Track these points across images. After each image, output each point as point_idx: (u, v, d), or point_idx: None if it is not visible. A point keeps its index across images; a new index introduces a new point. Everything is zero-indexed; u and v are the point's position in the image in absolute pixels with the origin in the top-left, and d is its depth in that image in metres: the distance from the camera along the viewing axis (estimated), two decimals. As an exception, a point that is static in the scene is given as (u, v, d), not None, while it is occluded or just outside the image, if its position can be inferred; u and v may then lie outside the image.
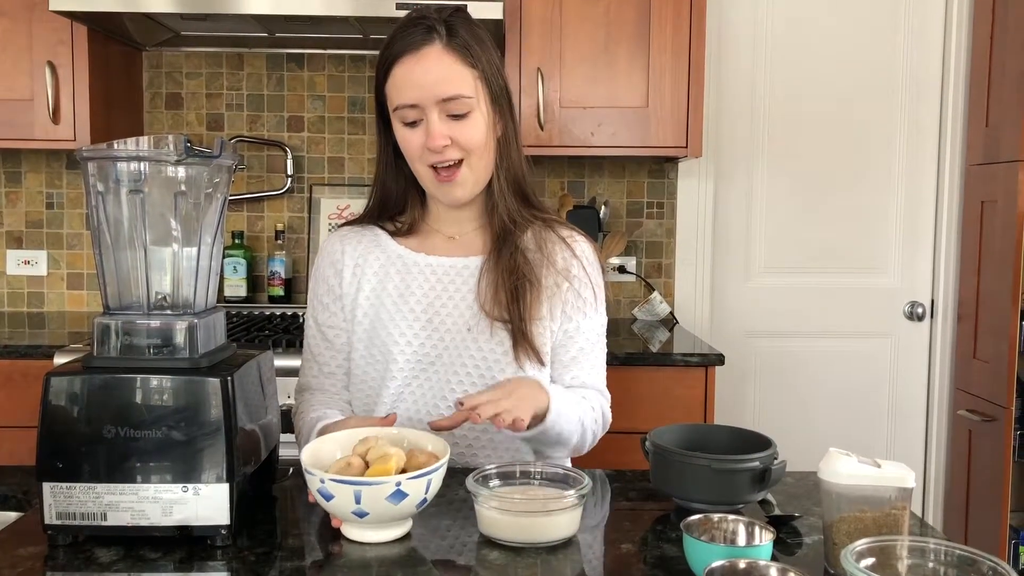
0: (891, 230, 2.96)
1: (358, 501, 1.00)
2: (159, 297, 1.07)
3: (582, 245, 1.45)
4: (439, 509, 1.15)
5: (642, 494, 1.27)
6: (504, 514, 1.04)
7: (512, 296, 1.35)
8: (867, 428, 2.99)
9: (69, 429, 1.01)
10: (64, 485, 1.01)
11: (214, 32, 2.65)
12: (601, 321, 1.46)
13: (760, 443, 1.18)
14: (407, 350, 1.37)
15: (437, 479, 1.05)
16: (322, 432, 1.28)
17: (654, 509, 1.20)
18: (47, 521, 1.02)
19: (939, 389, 2.96)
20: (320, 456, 1.10)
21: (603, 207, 2.75)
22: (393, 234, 1.45)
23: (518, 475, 1.14)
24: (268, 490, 1.22)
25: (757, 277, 2.96)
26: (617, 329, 2.61)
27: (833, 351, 2.97)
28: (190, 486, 1.01)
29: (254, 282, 2.81)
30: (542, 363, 1.37)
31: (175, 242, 1.07)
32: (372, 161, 1.49)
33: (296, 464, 1.09)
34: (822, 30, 2.89)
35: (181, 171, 1.05)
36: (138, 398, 1.01)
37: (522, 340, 1.35)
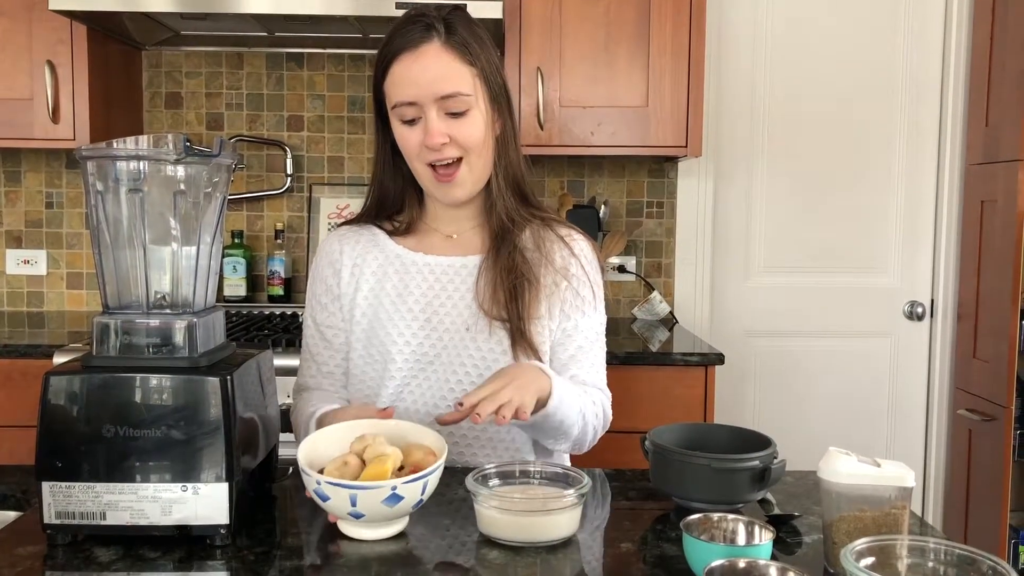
0: (891, 230, 2.96)
1: (354, 504, 1.00)
2: (158, 296, 1.07)
3: (580, 244, 1.45)
4: (439, 508, 1.15)
5: (642, 493, 1.27)
6: (504, 513, 1.04)
7: (511, 295, 1.35)
8: (867, 427, 2.99)
9: (68, 428, 1.01)
10: (63, 484, 1.01)
11: (214, 31, 2.65)
12: (600, 320, 1.46)
13: (760, 442, 1.18)
14: (405, 350, 1.37)
15: (433, 480, 1.05)
16: (320, 420, 1.28)
17: (654, 508, 1.20)
18: (46, 520, 1.02)
19: (939, 388, 2.96)
20: (317, 453, 1.10)
21: (603, 207, 2.75)
22: (391, 233, 1.45)
23: (518, 474, 1.14)
24: (267, 489, 1.22)
25: (757, 277, 2.96)
26: (617, 328, 2.61)
27: (833, 351, 2.98)
28: (189, 485, 1.01)
29: (253, 281, 2.81)
30: (541, 362, 1.36)
31: (174, 241, 1.07)
32: (371, 160, 1.48)
33: (295, 463, 1.09)
34: (822, 30, 2.89)
35: (180, 170, 1.05)
36: (137, 397, 1.01)
37: (521, 339, 1.35)
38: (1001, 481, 2.60)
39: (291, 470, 1.27)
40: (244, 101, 2.82)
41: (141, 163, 1.04)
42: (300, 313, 2.61)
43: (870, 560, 0.85)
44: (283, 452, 1.23)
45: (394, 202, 1.45)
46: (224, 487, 1.02)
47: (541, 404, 1.25)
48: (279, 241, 2.79)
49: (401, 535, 1.07)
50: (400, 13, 1.41)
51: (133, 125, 2.75)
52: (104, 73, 2.52)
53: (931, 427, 2.99)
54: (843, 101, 2.90)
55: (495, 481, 1.12)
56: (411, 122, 1.33)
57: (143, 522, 1.02)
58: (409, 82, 1.30)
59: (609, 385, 1.47)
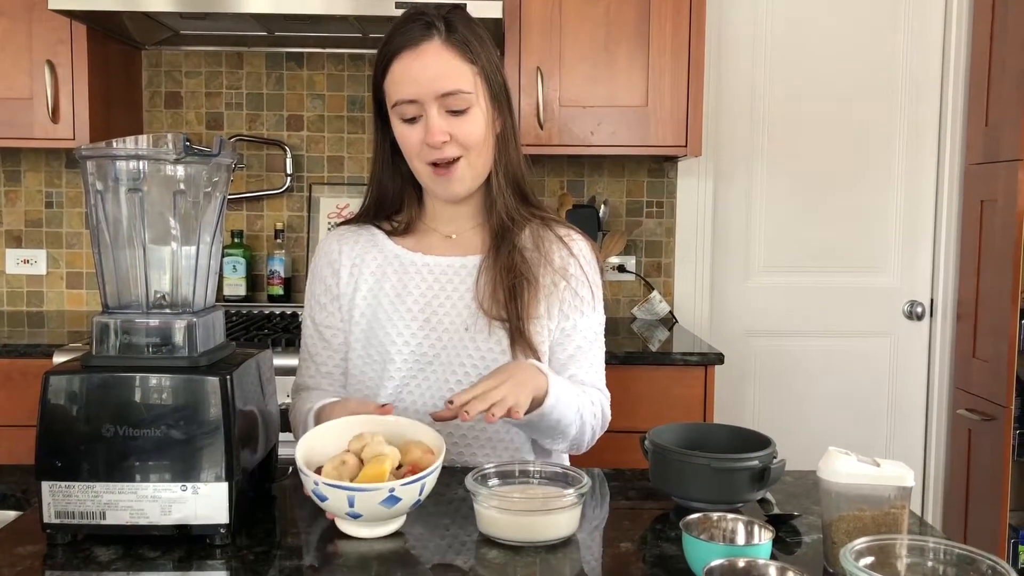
0: (891, 229, 2.96)
1: (352, 504, 1.01)
2: (158, 296, 1.07)
3: (579, 244, 1.45)
4: (438, 508, 1.15)
5: (641, 493, 1.27)
6: (503, 513, 1.04)
7: (510, 294, 1.35)
8: (866, 427, 2.99)
9: (68, 428, 1.01)
10: (63, 484, 1.01)
11: (213, 31, 2.65)
12: (599, 320, 1.45)
13: (759, 442, 1.18)
14: (404, 350, 1.36)
15: (431, 482, 1.05)
16: (319, 413, 1.28)
17: (653, 508, 1.20)
18: (46, 520, 1.02)
19: (938, 388, 2.96)
20: (315, 450, 1.09)
21: (603, 206, 2.75)
22: (390, 233, 1.45)
23: (517, 474, 1.14)
24: (267, 489, 1.22)
25: (757, 276, 2.96)
26: (616, 328, 2.61)
27: (832, 350, 2.98)
28: (189, 485, 1.01)
29: (253, 281, 2.81)
30: (540, 362, 1.36)
31: (174, 241, 1.07)
32: (371, 160, 1.48)
33: (295, 463, 1.09)
34: (822, 30, 2.88)
35: (180, 170, 1.05)
36: (137, 397, 1.01)
37: (520, 339, 1.34)
38: (1001, 481, 2.60)
39: (291, 470, 1.27)
40: (244, 101, 2.82)
41: (141, 163, 1.04)
42: (300, 313, 2.60)
43: (869, 560, 0.85)
44: (283, 452, 1.23)
45: (393, 202, 1.45)
46: (224, 487, 1.02)
47: (537, 403, 1.25)
48: (279, 241, 2.79)
49: (400, 534, 1.07)
50: (400, 12, 1.41)
51: (133, 125, 2.75)
52: (104, 73, 2.52)
53: (931, 427, 2.99)
54: (843, 101, 2.90)
55: (495, 481, 1.12)
56: (411, 121, 1.32)
57: (143, 522, 1.02)
58: (410, 80, 1.30)
59: (609, 385, 1.47)
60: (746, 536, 1.00)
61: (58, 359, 2.09)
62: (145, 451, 1.01)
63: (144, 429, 1.01)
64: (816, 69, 2.89)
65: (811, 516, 1.15)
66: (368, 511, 1.02)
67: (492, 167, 1.38)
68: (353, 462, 1.05)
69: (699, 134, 2.47)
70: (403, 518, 1.08)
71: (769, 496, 1.19)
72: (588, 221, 2.63)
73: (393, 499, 1.01)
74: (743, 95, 2.89)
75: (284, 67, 2.81)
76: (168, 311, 1.07)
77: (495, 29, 2.35)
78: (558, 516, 1.04)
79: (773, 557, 0.95)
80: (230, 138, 2.77)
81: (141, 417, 1.01)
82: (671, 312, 2.80)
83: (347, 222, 1.50)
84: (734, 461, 1.12)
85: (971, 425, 2.77)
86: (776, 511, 1.15)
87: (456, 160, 1.33)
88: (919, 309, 2.97)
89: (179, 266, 1.07)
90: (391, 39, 1.32)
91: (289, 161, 2.79)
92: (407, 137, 1.34)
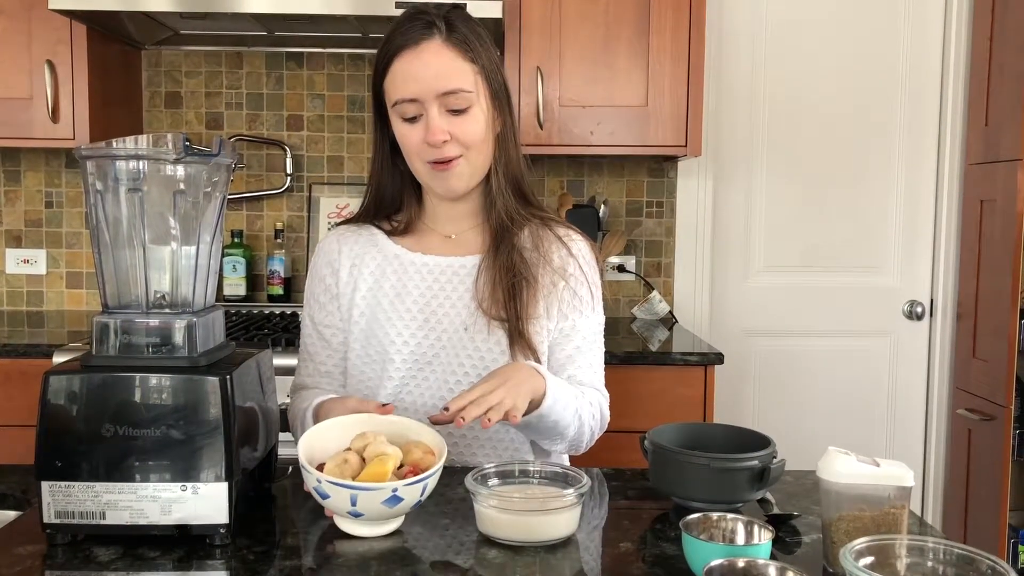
0: (890, 229, 2.96)
1: (354, 503, 1.01)
2: (158, 296, 1.07)
3: (579, 244, 1.45)
4: (438, 508, 1.15)
5: (641, 493, 1.27)
6: (503, 513, 1.04)
7: (509, 294, 1.35)
8: (866, 427, 2.99)
9: (68, 428, 1.01)
10: (63, 484, 1.01)
11: (213, 31, 2.65)
12: (598, 320, 1.45)
13: (759, 442, 1.18)
14: (404, 350, 1.36)
15: (433, 482, 1.06)
16: (318, 410, 1.28)
17: (653, 508, 1.20)
18: (46, 520, 1.02)
19: (938, 388, 2.96)
20: (317, 447, 1.10)
21: (602, 206, 2.75)
22: (390, 233, 1.45)
23: (517, 474, 1.14)
24: (267, 489, 1.22)
25: (756, 276, 2.96)
26: (616, 328, 2.61)
27: (832, 350, 2.98)
28: (189, 485, 1.01)
29: (253, 281, 2.81)
30: (539, 362, 1.36)
31: (174, 241, 1.07)
32: (371, 160, 1.48)
33: (295, 463, 1.09)
34: (822, 30, 2.88)
35: (180, 170, 1.05)
36: (137, 397, 1.01)
37: (519, 339, 1.34)
38: (1000, 480, 2.60)
39: (290, 469, 1.27)
40: (244, 101, 2.81)
41: (140, 162, 1.04)
42: (300, 313, 2.60)
43: (869, 560, 0.85)
44: (282, 451, 1.23)
45: (393, 201, 1.45)
46: (223, 487, 1.02)
47: (535, 405, 1.25)
48: (279, 241, 2.79)
49: (400, 534, 1.07)
50: (400, 12, 1.41)
51: (133, 124, 2.75)
52: (104, 73, 2.52)
53: (930, 427, 2.99)
54: (842, 101, 2.90)
55: (494, 481, 1.12)
56: (412, 120, 1.32)
57: (143, 522, 1.02)
58: (410, 79, 1.30)
59: (608, 385, 1.47)
60: (746, 536, 1.00)
61: (58, 359, 2.09)
62: (145, 451, 1.01)
63: (144, 429, 1.01)
64: (816, 69, 2.89)
65: (811, 516, 1.15)
66: (370, 510, 1.02)
67: (492, 166, 1.38)
68: (355, 461, 1.05)
69: (699, 134, 2.47)
70: (402, 518, 1.08)
71: (769, 496, 1.19)
72: (588, 221, 2.63)
73: (395, 499, 1.01)
74: (743, 95, 2.89)
75: (284, 67, 2.81)
76: (168, 311, 1.07)
77: (495, 29, 2.35)
78: (558, 516, 1.04)
79: (773, 557, 0.95)
80: (230, 138, 2.77)
81: (141, 417, 1.01)
82: (671, 312, 2.80)
83: (347, 221, 1.50)
84: (734, 461, 1.12)
85: (971, 425, 2.77)
86: (776, 511, 1.15)
87: (456, 158, 1.33)
88: (919, 309, 2.97)
89: (179, 266, 1.07)
90: (391, 38, 1.32)
91: (289, 161, 2.79)
92: (407, 136, 1.34)
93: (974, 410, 2.74)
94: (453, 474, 1.20)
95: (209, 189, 1.09)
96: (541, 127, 2.44)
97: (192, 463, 1.01)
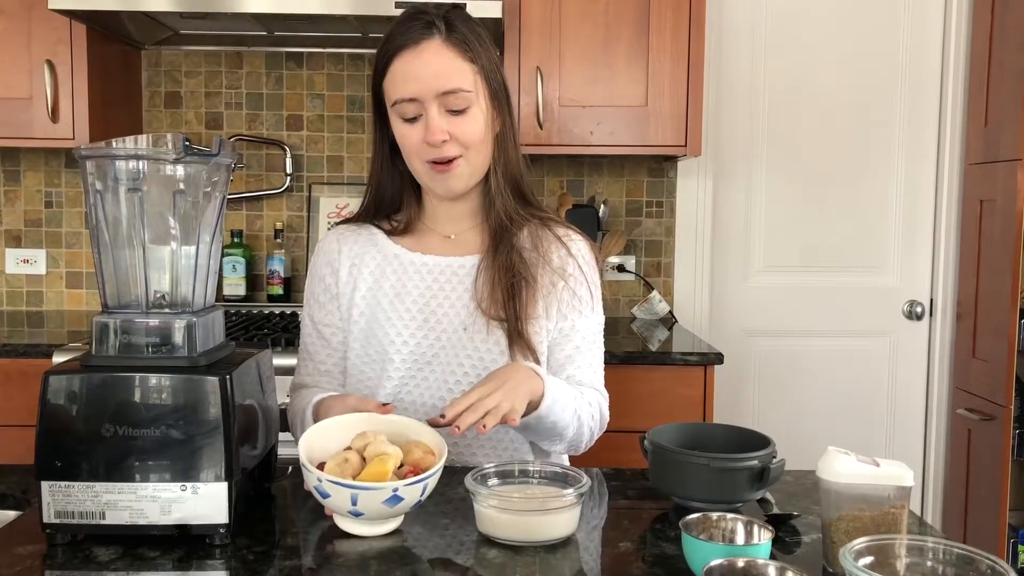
0: (890, 229, 2.96)
1: (354, 503, 1.01)
2: (158, 296, 1.07)
3: (578, 244, 1.45)
4: (438, 508, 1.15)
5: (641, 493, 1.27)
6: (503, 513, 1.04)
7: (508, 294, 1.35)
8: (866, 427, 3.00)
9: (68, 428, 1.01)
10: (63, 484, 1.01)
11: (213, 31, 2.65)
12: (598, 320, 1.45)
13: (759, 442, 1.18)
14: (403, 350, 1.36)
15: (433, 482, 1.06)
16: (317, 407, 1.28)
17: (653, 508, 1.21)
18: (46, 520, 1.02)
19: (938, 388, 2.96)
20: (317, 446, 1.10)
21: (602, 206, 2.75)
22: (389, 233, 1.45)
23: (517, 474, 1.14)
24: (267, 489, 1.22)
25: (756, 276, 2.96)
26: (616, 328, 2.61)
27: (832, 350, 2.98)
28: (189, 485, 1.01)
29: (253, 281, 2.81)
30: (538, 362, 1.36)
31: (174, 241, 1.07)
32: (371, 160, 1.48)
33: (295, 463, 1.09)
34: (822, 30, 2.88)
35: (180, 170, 1.05)
36: (137, 397, 1.01)
37: (518, 339, 1.34)
38: (1000, 480, 2.60)
39: (290, 469, 1.27)
40: (243, 100, 2.81)
41: (140, 162, 1.04)
42: (299, 313, 2.61)
43: (869, 559, 0.85)
44: (282, 451, 1.24)
45: (392, 201, 1.45)
46: (223, 486, 1.02)
47: (534, 406, 1.25)
48: (278, 240, 2.79)
49: (400, 534, 1.07)
50: (399, 12, 1.41)
51: (132, 124, 2.75)
52: (103, 72, 2.52)
53: (930, 426, 2.99)
54: (843, 101, 2.90)
55: (494, 480, 1.12)
56: (411, 120, 1.32)
57: (142, 521, 1.02)
58: (410, 78, 1.30)
59: (608, 385, 1.47)
60: (745, 536, 1.00)
61: (58, 359, 2.09)
62: (145, 451, 1.01)
63: (144, 429, 1.01)
64: (816, 69, 2.89)
65: (810, 516, 1.15)
66: (370, 510, 1.02)
67: (491, 166, 1.38)
68: (356, 460, 1.05)
69: (699, 134, 2.47)
70: (402, 517, 1.09)
71: (768, 496, 1.19)
72: (588, 221, 2.63)
73: (396, 499, 1.01)
74: (743, 95, 2.89)
75: (284, 67, 2.81)
76: (168, 311, 1.07)
77: (495, 29, 2.35)
78: (557, 516, 1.04)
79: (773, 557, 0.95)
80: (230, 138, 2.77)
81: (141, 417, 1.01)
82: (671, 312, 2.80)
83: (346, 221, 1.50)
84: (733, 461, 1.12)
85: (971, 425, 2.77)
86: (775, 511, 1.15)
87: (455, 158, 1.33)
88: (919, 309, 2.97)
89: (179, 266, 1.07)
90: (391, 38, 1.32)
91: (289, 161, 2.79)
92: (407, 136, 1.34)
93: (974, 410, 2.74)
94: (453, 474, 1.20)
95: (209, 189, 1.09)
96: (541, 127, 2.44)
97: (192, 463, 1.01)
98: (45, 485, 1.01)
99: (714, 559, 0.88)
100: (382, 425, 1.13)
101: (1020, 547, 2.66)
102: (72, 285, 2.83)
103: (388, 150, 1.41)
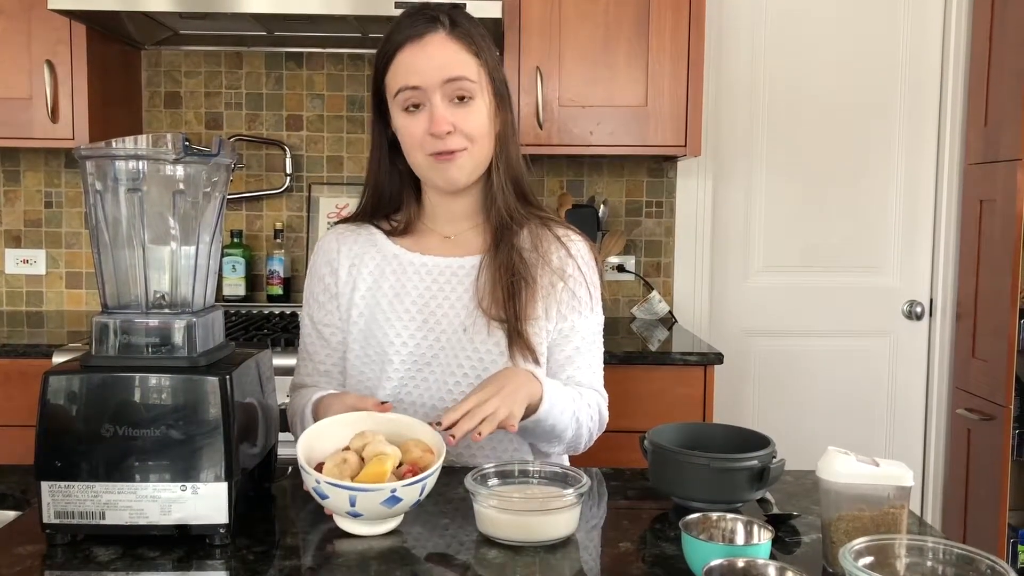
0: (890, 229, 2.96)
1: (353, 504, 1.01)
2: (157, 296, 1.07)
3: (577, 244, 1.45)
4: (437, 508, 1.15)
5: (641, 493, 1.27)
6: (503, 513, 1.04)
7: (508, 293, 1.35)
8: (866, 427, 3.00)
9: (67, 428, 1.01)
10: (63, 484, 1.01)
11: (213, 31, 2.65)
12: (597, 320, 1.45)
13: (759, 442, 1.18)
14: (403, 351, 1.36)
15: (431, 482, 1.06)
16: (316, 406, 1.28)
17: (652, 508, 1.21)
18: (45, 520, 1.02)
19: (938, 388, 2.96)
20: (316, 446, 1.10)
21: (602, 206, 2.75)
22: (389, 233, 1.44)
23: (517, 474, 1.14)
24: (267, 489, 1.22)
25: (756, 276, 2.96)
26: (616, 328, 2.61)
27: (832, 350, 2.98)
28: (188, 485, 1.01)
29: (253, 281, 2.81)
30: (537, 363, 1.36)
31: (173, 241, 1.07)
32: (368, 160, 1.48)
33: (294, 463, 1.09)
34: (821, 30, 2.89)
35: (179, 170, 1.05)
36: (136, 397, 1.01)
37: (518, 339, 1.34)
38: (1000, 480, 2.60)
39: (290, 469, 1.27)
40: (243, 101, 2.81)
41: (140, 163, 1.04)
42: (299, 313, 2.61)
43: (869, 559, 0.85)
44: (282, 452, 1.23)
45: (391, 201, 1.45)
46: (223, 487, 1.02)
47: (532, 410, 1.25)
48: (278, 241, 2.79)
49: (400, 534, 1.07)
50: (399, 12, 1.41)
51: (132, 125, 2.75)
52: (103, 73, 2.52)
53: (930, 426, 2.99)
54: (842, 101, 2.90)
55: (494, 481, 1.12)
56: (414, 111, 1.32)
57: (142, 522, 1.02)
58: (414, 70, 1.30)
59: (607, 385, 1.47)
60: (745, 536, 1.00)
61: (57, 359, 2.09)
62: (144, 451, 1.01)
63: (143, 429, 1.01)
64: (815, 69, 2.89)
65: (810, 516, 1.15)
66: (369, 510, 1.02)
67: (492, 163, 1.38)
68: (354, 460, 1.05)
69: (698, 134, 2.47)
70: (401, 517, 1.09)
71: (768, 496, 1.19)
72: (587, 221, 2.64)
73: (394, 499, 1.02)
74: (742, 95, 2.89)
75: (283, 67, 2.81)
76: (167, 311, 1.07)
77: (494, 29, 2.35)
78: (557, 516, 1.04)
79: (772, 557, 0.95)
80: (229, 138, 2.77)
81: (140, 417, 1.01)
82: (670, 312, 2.80)
83: (345, 220, 1.49)
84: (733, 461, 1.12)
85: (970, 425, 2.77)
86: (775, 511, 1.15)
87: (460, 151, 1.32)
88: (918, 309, 2.97)
89: (178, 266, 1.07)
90: (394, 33, 1.32)
91: (288, 161, 2.79)
92: (409, 128, 1.33)
93: (974, 410, 2.74)
94: (453, 474, 1.20)
95: (208, 189, 1.09)
96: (541, 127, 2.44)
97: (192, 463, 1.01)
98: (45, 485, 1.01)
99: (714, 559, 0.88)
100: (381, 423, 1.13)
101: (1020, 547, 2.66)
102: (72, 285, 2.83)
103: (387, 149, 1.41)
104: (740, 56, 2.88)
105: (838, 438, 2.74)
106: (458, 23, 1.33)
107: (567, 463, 1.46)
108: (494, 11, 2.22)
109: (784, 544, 1.07)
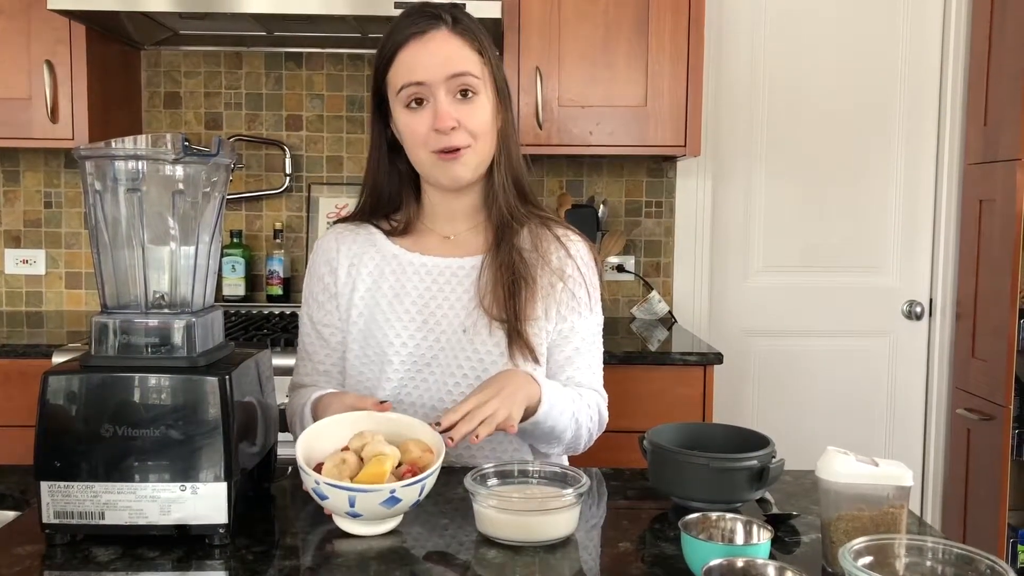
0: (890, 229, 2.97)
1: (352, 504, 1.01)
2: (157, 296, 1.07)
3: (577, 244, 1.45)
4: (437, 508, 1.15)
5: (640, 493, 1.27)
6: (502, 513, 1.04)
7: (508, 292, 1.35)
8: (865, 427, 3.00)
9: (67, 428, 1.01)
10: (62, 484, 1.01)
11: (212, 31, 2.65)
12: (597, 321, 1.45)
13: (758, 442, 1.18)
14: (402, 351, 1.36)
15: (431, 482, 1.06)
16: (316, 405, 1.28)
17: (652, 508, 1.21)
18: (45, 520, 1.02)
19: (937, 388, 2.96)
20: (315, 446, 1.10)
21: (602, 206, 2.75)
22: (388, 233, 1.44)
23: (516, 474, 1.14)
24: (266, 489, 1.22)
25: (756, 276, 2.96)
26: (616, 328, 2.61)
27: (832, 350, 2.98)
28: (188, 485, 1.01)
29: (252, 281, 2.81)
30: (537, 363, 1.36)
31: (173, 241, 1.07)
32: (367, 159, 1.48)
33: (294, 463, 1.09)
34: (821, 30, 2.89)
35: (179, 170, 1.05)
36: (136, 397, 1.01)
37: (518, 340, 1.34)
38: (999, 480, 2.60)
39: (290, 470, 1.27)
40: (243, 101, 2.81)
41: (139, 163, 1.04)
42: (299, 312, 2.61)
43: (868, 559, 0.85)
44: (282, 452, 1.23)
45: (390, 201, 1.44)
46: (223, 487, 1.02)
47: (531, 411, 1.25)
48: (278, 241, 2.79)
49: (399, 534, 1.07)
50: (398, 12, 1.41)
51: (132, 125, 2.75)
52: (103, 73, 2.52)
53: (929, 426, 2.99)
54: (842, 101, 2.90)
55: (494, 481, 1.12)
56: (417, 107, 1.31)
57: (142, 522, 1.02)
58: (418, 66, 1.30)
59: (607, 385, 1.47)
60: (745, 536, 1.00)
61: (57, 359, 2.09)
62: (144, 451, 1.01)
63: (143, 429, 1.01)
64: (815, 69, 2.89)
65: (810, 516, 1.15)
66: (368, 511, 1.02)
67: (494, 160, 1.38)
68: (353, 461, 1.05)
69: (698, 134, 2.47)
70: (400, 516, 1.09)
71: (768, 496, 1.19)
72: (587, 221, 2.64)
73: (394, 500, 1.02)
74: (742, 95, 2.89)
75: (283, 67, 2.81)
76: (167, 311, 1.07)
77: (494, 29, 2.35)
78: (557, 516, 1.04)
79: (772, 557, 0.95)
80: (229, 138, 2.77)
81: (140, 417, 1.01)
82: (670, 312, 2.80)
83: (344, 219, 1.49)
84: (733, 461, 1.12)
85: (970, 425, 2.78)
86: (775, 511, 1.15)
87: (464, 148, 1.32)
88: (918, 309, 2.98)
89: (178, 266, 1.07)
90: (396, 31, 1.32)
91: (288, 161, 2.79)
92: (412, 124, 1.32)
93: (973, 410, 2.74)
94: (452, 474, 1.20)
95: (208, 189, 1.09)
96: (540, 127, 2.44)
97: (191, 463, 1.01)
98: (44, 485, 1.01)
99: (713, 559, 0.88)
100: (380, 423, 1.13)
101: (1020, 547, 2.66)
102: (71, 285, 2.83)
103: (387, 149, 1.40)
104: (740, 56, 2.88)
105: (838, 438, 2.75)
106: (460, 20, 1.33)
107: (567, 463, 1.46)
108: (494, 11, 2.22)
109: (784, 544, 1.07)
